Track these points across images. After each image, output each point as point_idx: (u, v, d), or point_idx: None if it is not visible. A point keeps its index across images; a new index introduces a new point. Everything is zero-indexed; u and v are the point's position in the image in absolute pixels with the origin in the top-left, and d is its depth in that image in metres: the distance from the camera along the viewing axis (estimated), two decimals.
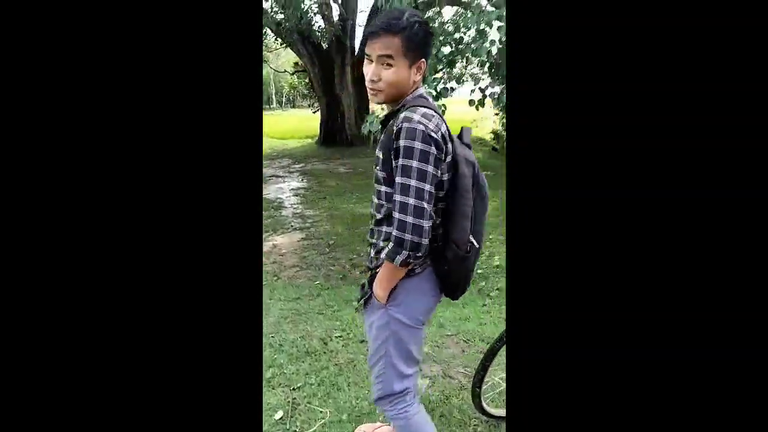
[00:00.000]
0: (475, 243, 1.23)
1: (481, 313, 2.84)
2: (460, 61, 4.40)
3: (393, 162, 1.13)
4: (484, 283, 3.32)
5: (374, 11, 10.91)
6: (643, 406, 0.65)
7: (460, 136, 1.26)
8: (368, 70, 1.17)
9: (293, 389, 2.07)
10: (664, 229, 0.64)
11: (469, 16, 3.68)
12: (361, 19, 11.49)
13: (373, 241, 1.27)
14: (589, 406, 0.66)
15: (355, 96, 10.95)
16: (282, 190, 7.17)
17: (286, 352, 2.40)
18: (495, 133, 11.39)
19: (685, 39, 0.63)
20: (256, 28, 0.70)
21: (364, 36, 1.20)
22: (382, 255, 1.18)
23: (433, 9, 4.77)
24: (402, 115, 1.11)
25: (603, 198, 0.65)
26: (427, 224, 1.09)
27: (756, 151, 0.62)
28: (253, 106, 0.70)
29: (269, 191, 7.00)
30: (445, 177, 1.16)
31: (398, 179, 1.10)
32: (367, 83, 1.19)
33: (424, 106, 1.13)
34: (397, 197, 1.10)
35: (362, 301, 1.29)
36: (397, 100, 1.20)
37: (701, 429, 0.63)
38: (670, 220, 0.64)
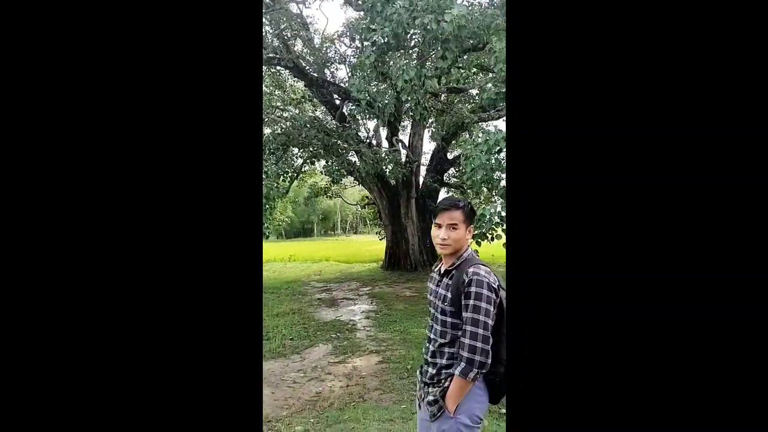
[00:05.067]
0: None
1: None
2: None
3: (463, 301, 1.55)
4: None
5: (436, 152, 12.31)
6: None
7: None
8: (439, 232, 1.69)
9: None
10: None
11: None
12: (425, 159, 12.93)
13: (435, 361, 1.65)
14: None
15: (418, 225, 11.82)
16: (354, 312, 7.59)
17: None
18: None
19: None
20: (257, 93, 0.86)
21: (435, 208, 1.74)
22: (456, 372, 1.54)
23: None
24: (471, 269, 1.57)
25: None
26: (489, 348, 1.52)
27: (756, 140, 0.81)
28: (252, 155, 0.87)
29: (341, 313, 7.45)
30: (493, 311, 1.57)
31: (471, 315, 1.52)
32: (438, 241, 1.70)
33: (483, 264, 1.61)
34: (469, 328, 1.51)
35: (438, 413, 1.60)
36: (456, 253, 1.67)
37: None
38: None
